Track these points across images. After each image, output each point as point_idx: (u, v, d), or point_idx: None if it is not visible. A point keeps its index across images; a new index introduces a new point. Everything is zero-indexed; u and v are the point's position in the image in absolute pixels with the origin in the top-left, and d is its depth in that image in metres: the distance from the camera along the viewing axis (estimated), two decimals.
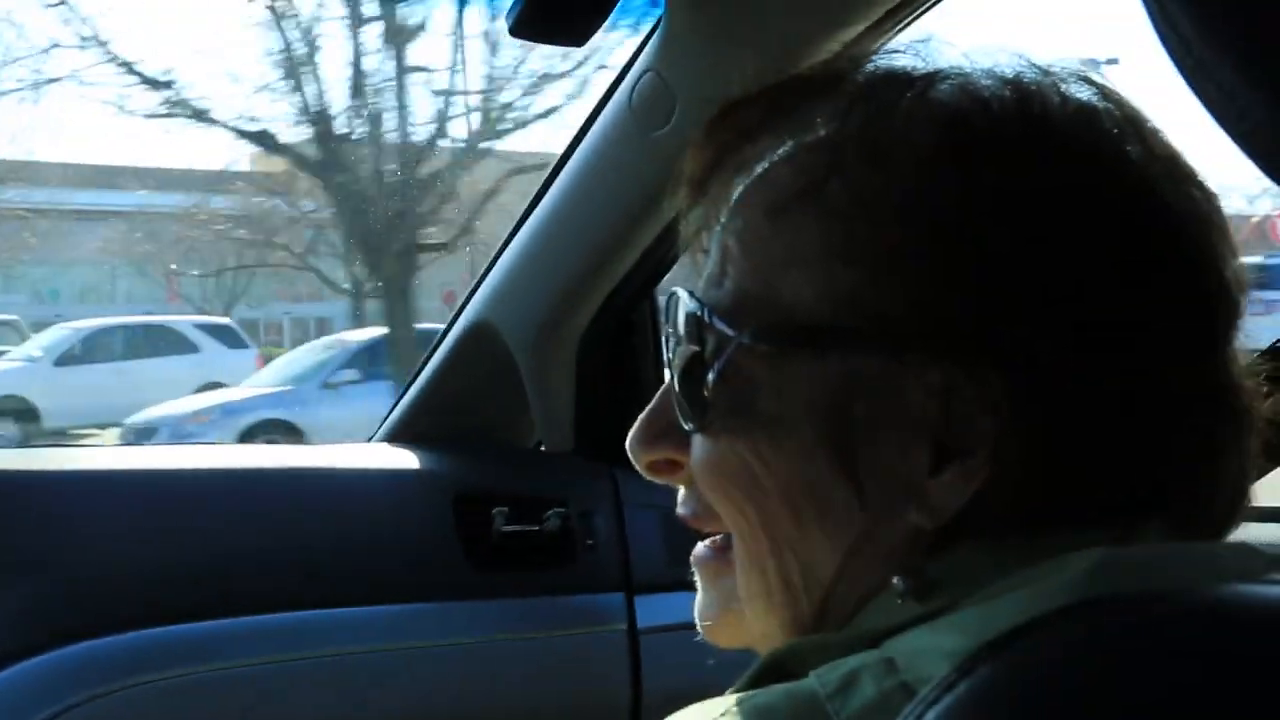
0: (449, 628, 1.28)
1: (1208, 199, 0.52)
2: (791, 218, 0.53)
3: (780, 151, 0.54)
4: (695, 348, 0.55)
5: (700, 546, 0.60)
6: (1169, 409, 0.50)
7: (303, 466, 1.37)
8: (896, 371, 0.50)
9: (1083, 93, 0.52)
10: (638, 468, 0.60)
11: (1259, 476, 0.53)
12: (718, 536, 0.59)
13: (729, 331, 0.54)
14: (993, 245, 0.49)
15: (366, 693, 1.23)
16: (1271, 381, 0.53)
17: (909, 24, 1.12)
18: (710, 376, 0.54)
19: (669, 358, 0.57)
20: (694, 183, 0.59)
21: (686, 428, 0.56)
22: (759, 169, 0.55)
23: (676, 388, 0.56)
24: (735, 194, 0.56)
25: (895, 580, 0.50)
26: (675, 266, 1.38)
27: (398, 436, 1.49)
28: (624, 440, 1.47)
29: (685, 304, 0.56)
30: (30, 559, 1.17)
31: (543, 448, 1.48)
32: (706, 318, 0.55)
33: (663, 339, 0.59)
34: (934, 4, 1.11)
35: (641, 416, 0.59)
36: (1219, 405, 0.51)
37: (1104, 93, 0.53)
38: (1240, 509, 0.53)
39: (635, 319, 1.43)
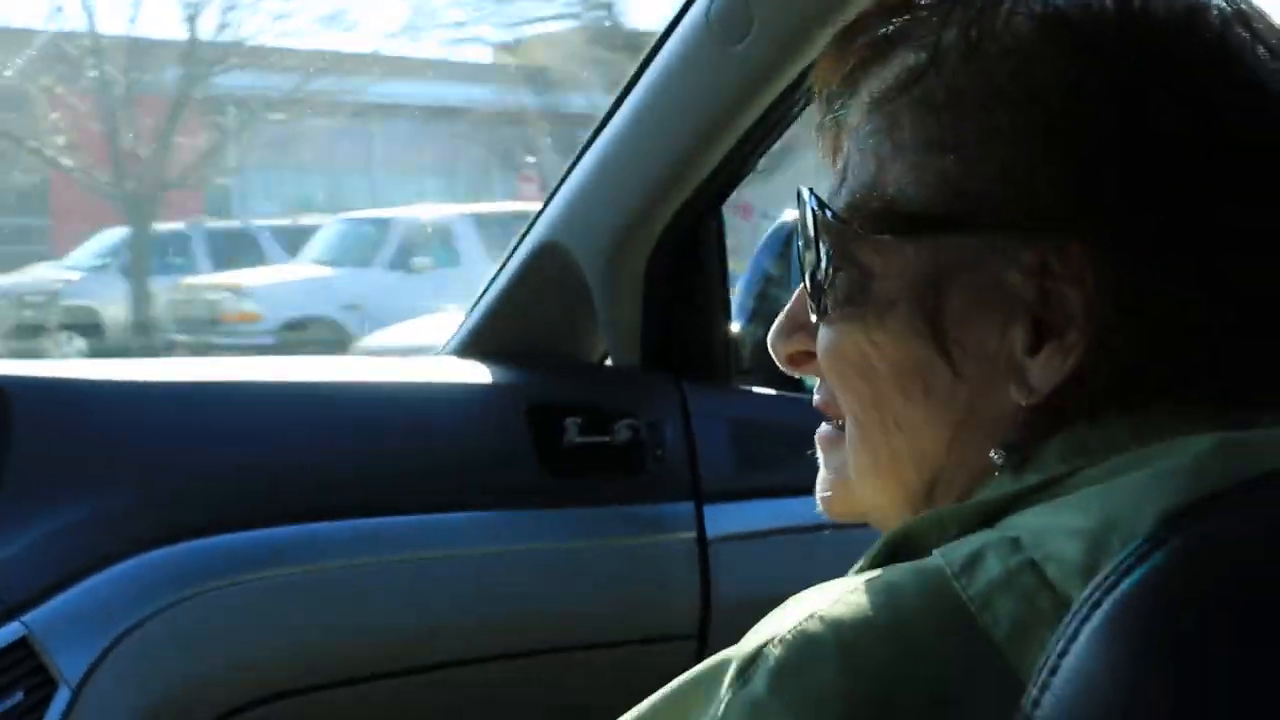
0: (522, 534, 1.29)
1: None
2: (890, 112, 0.55)
3: (894, 59, 0.56)
4: (819, 244, 0.58)
5: (823, 424, 0.63)
6: (1268, 292, 0.50)
7: (380, 379, 1.37)
8: (990, 252, 0.52)
9: None
10: (777, 362, 0.63)
11: None
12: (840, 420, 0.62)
13: (843, 224, 0.56)
14: (1095, 131, 0.50)
15: (444, 595, 1.26)
16: None
17: None
18: (826, 266, 0.57)
19: (800, 259, 0.61)
20: (823, 95, 0.61)
21: (813, 319, 0.59)
22: (870, 80, 0.57)
23: (807, 282, 0.59)
24: (853, 103, 0.58)
25: (993, 454, 0.52)
26: (747, 181, 1.38)
27: (467, 350, 1.49)
28: (691, 352, 1.45)
29: (809, 203, 0.59)
30: (130, 464, 1.18)
31: (609, 361, 1.48)
32: (825, 215, 0.57)
33: (794, 241, 0.62)
34: None
35: (781, 313, 0.63)
36: None
37: None
38: None
39: (702, 235, 1.42)
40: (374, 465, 1.27)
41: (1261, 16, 0.53)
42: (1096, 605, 0.39)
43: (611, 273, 1.41)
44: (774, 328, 0.63)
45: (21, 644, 1.05)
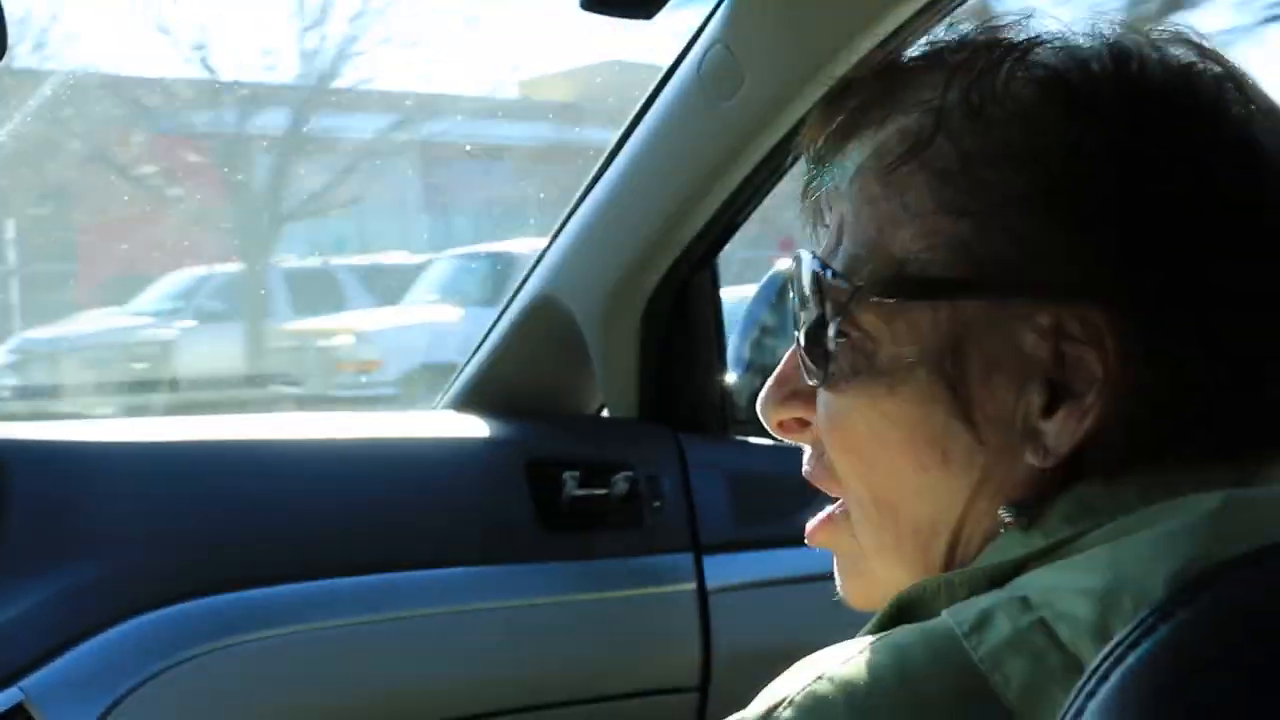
0: (522, 589, 1.29)
1: None
2: (901, 177, 0.54)
3: (890, 120, 0.56)
4: (817, 307, 0.57)
5: (811, 521, 0.62)
6: (1259, 348, 0.51)
7: (376, 435, 1.37)
8: (1007, 316, 0.52)
9: (1179, 52, 0.53)
10: (768, 427, 0.62)
11: None
12: (829, 506, 0.61)
13: (846, 287, 0.55)
14: (1094, 191, 0.51)
15: (443, 652, 1.25)
16: None
17: None
18: (831, 331, 0.56)
19: (794, 321, 0.60)
20: (813, 156, 0.60)
21: (811, 384, 0.58)
22: (866, 142, 0.57)
23: (804, 347, 0.58)
24: (851, 163, 0.57)
25: (1001, 511, 0.52)
26: (736, 235, 1.38)
27: (464, 403, 1.49)
28: (687, 404, 1.44)
29: (808, 264, 0.57)
30: (126, 528, 1.17)
31: (606, 413, 1.48)
32: (828, 276, 0.56)
33: (789, 303, 0.61)
34: None
35: (772, 377, 0.61)
36: None
37: (1202, 51, 0.54)
38: None
39: (697, 287, 1.42)
40: (372, 522, 1.27)
41: (1248, 77, 0.54)
42: (1104, 678, 0.39)
43: (607, 325, 1.41)
44: (764, 393, 0.62)
45: (19, 710, 1.05)
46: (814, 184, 0.60)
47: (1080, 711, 0.39)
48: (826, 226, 0.59)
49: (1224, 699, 0.37)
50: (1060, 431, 0.51)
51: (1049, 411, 0.51)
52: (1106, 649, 0.40)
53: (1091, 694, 0.39)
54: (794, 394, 0.60)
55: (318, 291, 8.59)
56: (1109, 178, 0.50)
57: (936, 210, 0.53)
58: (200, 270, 8.53)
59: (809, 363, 0.58)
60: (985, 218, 0.52)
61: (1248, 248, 0.51)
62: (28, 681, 1.06)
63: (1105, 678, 0.39)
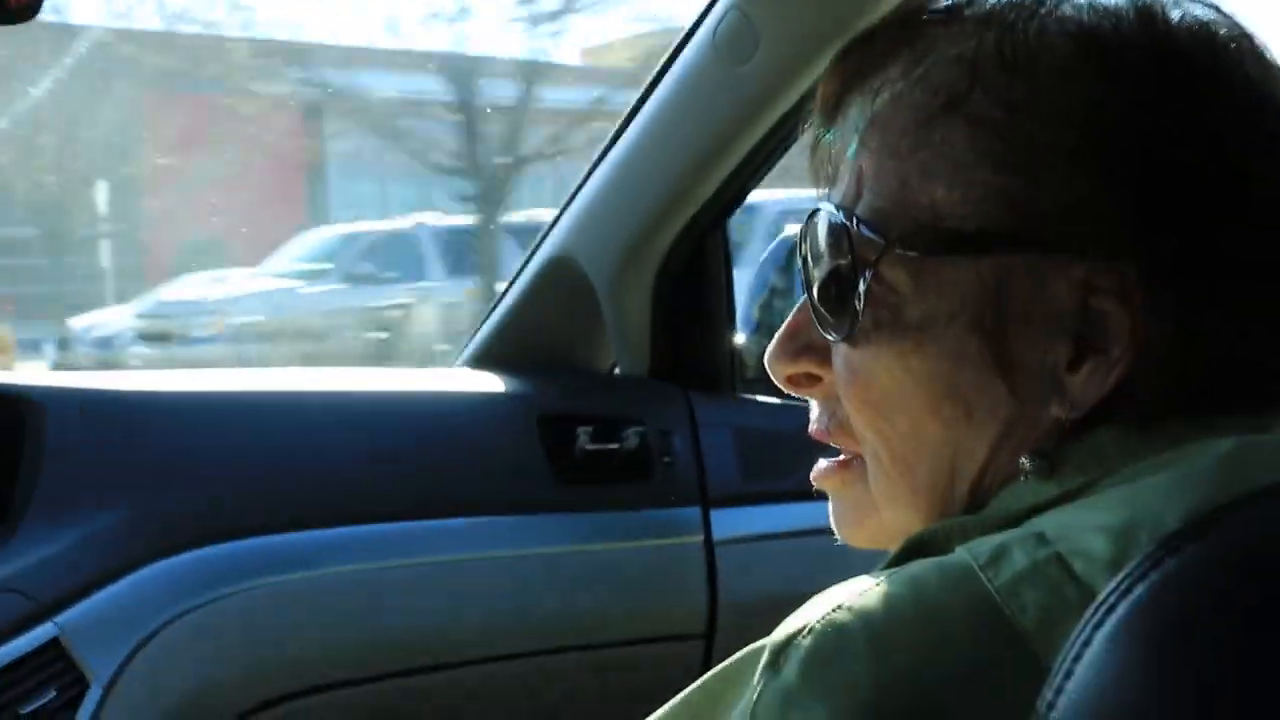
0: (536, 539, 1.30)
1: None
2: (938, 129, 0.52)
3: (915, 73, 0.54)
4: (839, 260, 0.55)
5: (822, 462, 0.61)
6: (1264, 314, 0.51)
7: (397, 389, 1.38)
8: (1044, 269, 0.51)
9: (1199, 9, 0.53)
10: (776, 380, 0.60)
11: None
12: (841, 455, 0.60)
13: (877, 239, 0.53)
14: (1133, 146, 0.50)
15: (459, 598, 1.25)
16: None
17: None
18: (861, 286, 0.54)
19: (805, 274, 0.58)
20: (827, 109, 0.58)
21: (831, 338, 0.56)
22: (890, 91, 0.55)
23: (818, 301, 0.56)
24: (868, 117, 0.55)
25: (1023, 460, 0.51)
26: (750, 196, 1.39)
27: (480, 361, 1.50)
28: (697, 363, 1.44)
29: (830, 217, 0.56)
30: (157, 472, 1.19)
31: (618, 371, 1.48)
32: (854, 228, 0.54)
33: (799, 257, 0.59)
34: None
35: (780, 331, 0.60)
36: None
37: (1219, 10, 0.53)
38: None
39: (708, 249, 1.43)
40: (392, 473, 1.28)
41: (1259, 37, 0.54)
42: (1112, 609, 0.39)
43: (621, 286, 1.42)
44: (773, 347, 0.60)
45: (54, 644, 1.06)
46: (826, 136, 0.59)
47: (1088, 642, 0.39)
48: (836, 179, 0.58)
49: (1221, 635, 0.37)
50: (1086, 384, 0.51)
51: (1075, 365, 0.51)
52: (1114, 581, 0.40)
53: (1099, 624, 0.39)
54: (807, 348, 0.58)
55: (471, 252, 7.94)
56: (1135, 138, 0.50)
57: (977, 162, 0.51)
58: (343, 229, 7.81)
59: (828, 317, 0.56)
60: (1028, 170, 0.51)
61: (1258, 217, 0.51)
62: (62, 617, 1.07)
63: (1112, 609, 0.39)
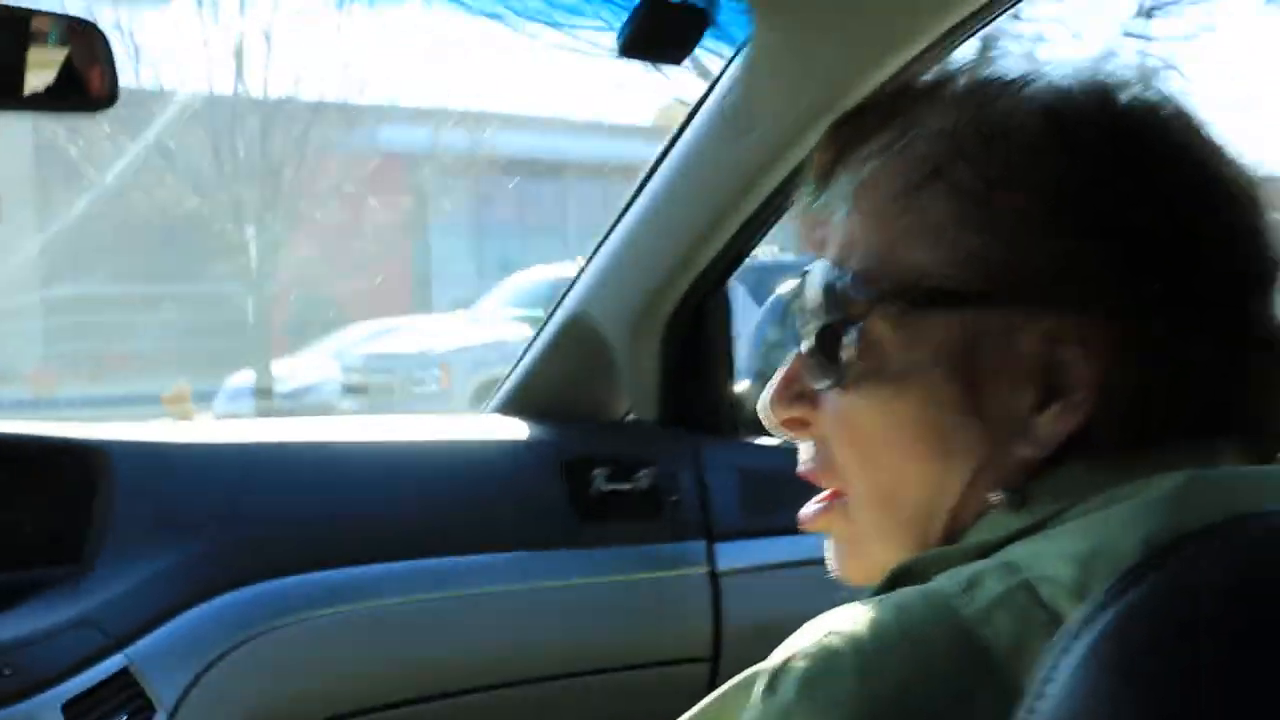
0: (557, 571, 1.31)
1: (1251, 180, 0.54)
2: (923, 196, 0.53)
3: (898, 145, 0.55)
4: (830, 315, 0.55)
5: (808, 506, 0.61)
6: (1231, 352, 0.52)
7: (435, 437, 1.39)
8: (1015, 323, 0.51)
9: (1145, 92, 0.54)
10: (770, 426, 0.60)
11: None
12: (824, 494, 0.60)
13: (865, 295, 0.54)
14: (1094, 213, 0.51)
15: (487, 627, 1.26)
16: None
17: (958, 46, 1.15)
18: (849, 338, 0.54)
19: (799, 328, 0.58)
20: (820, 176, 0.59)
21: (820, 387, 0.57)
22: (879, 160, 0.55)
23: (810, 352, 0.57)
24: (857, 183, 0.56)
25: (995, 495, 0.52)
26: (749, 259, 1.41)
27: (508, 408, 1.52)
28: (702, 410, 1.46)
29: (823, 275, 0.56)
30: (215, 516, 1.20)
31: (631, 418, 1.50)
32: (844, 285, 0.55)
33: (793, 313, 0.59)
34: (979, 30, 1.13)
35: (774, 381, 0.60)
36: (1270, 350, 0.53)
37: (1160, 91, 0.55)
38: None
39: (712, 306, 1.45)
40: (427, 513, 1.29)
41: (1195, 114, 0.55)
42: (1078, 637, 0.39)
43: (633, 341, 1.43)
44: (770, 395, 0.60)
45: (124, 673, 1.07)
46: (817, 202, 0.59)
47: (1058, 665, 0.39)
48: (825, 241, 0.58)
49: (1183, 659, 0.37)
50: (1052, 426, 0.51)
51: (1041, 407, 0.51)
52: (1082, 610, 0.39)
53: (1067, 649, 0.39)
54: (799, 395, 0.59)
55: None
56: (1095, 206, 0.51)
57: (959, 227, 0.52)
58: (548, 272, 6.83)
59: (817, 368, 0.56)
60: (1001, 234, 0.51)
61: (1207, 270, 0.52)
62: (131, 649, 1.09)
63: (1078, 637, 0.39)
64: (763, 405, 0.60)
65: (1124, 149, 0.52)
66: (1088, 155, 0.52)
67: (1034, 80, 0.54)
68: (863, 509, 0.57)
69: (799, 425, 0.59)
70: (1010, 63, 0.56)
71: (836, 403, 0.56)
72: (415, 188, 9.24)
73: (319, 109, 8.46)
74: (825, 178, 0.58)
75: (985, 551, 0.49)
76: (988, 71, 0.56)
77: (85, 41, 0.97)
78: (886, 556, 0.56)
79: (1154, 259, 0.51)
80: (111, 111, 0.99)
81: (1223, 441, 0.52)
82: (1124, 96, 0.54)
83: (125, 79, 1.01)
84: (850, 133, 0.58)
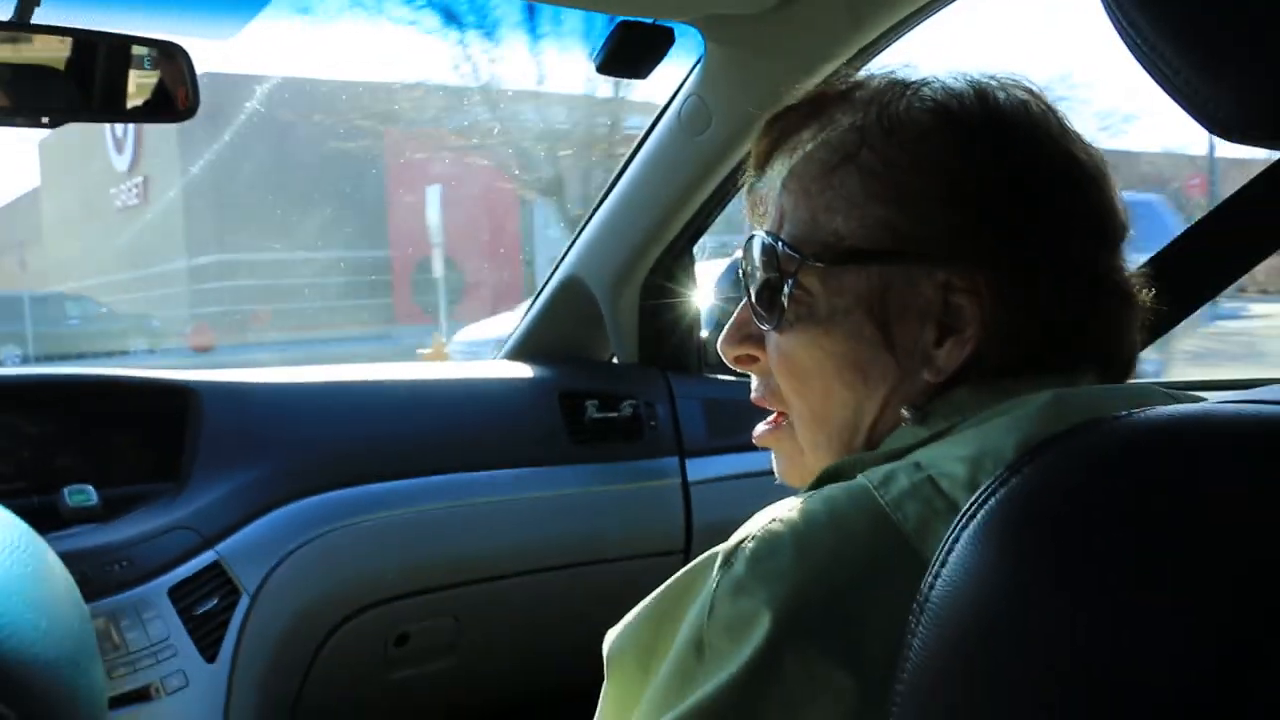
0: (556, 484, 1.35)
1: (1101, 160, 0.56)
2: (838, 176, 0.55)
3: (820, 138, 0.57)
4: (769, 272, 0.57)
5: (759, 426, 0.62)
6: (1090, 297, 0.54)
7: (455, 376, 1.41)
8: (916, 275, 0.53)
9: (1018, 92, 0.56)
10: (726, 361, 0.62)
11: (1143, 346, 0.58)
12: (772, 416, 0.62)
13: (796, 255, 0.56)
14: (974, 186, 0.53)
15: (501, 528, 1.31)
16: (1147, 280, 0.58)
17: (872, 59, 1.18)
18: (785, 289, 0.56)
19: (745, 283, 0.60)
20: (759, 163, 0.61)
21: (764, 329, 0.58)
22: (803, 151, 0.57)
23: (754, 302, 0.59)
24: (788, 168, 0.58)
25: (904, 411, 0.54)
26: (709, 232, 1.44)
27: (515, 354, 1.55)
28: (674, 353, 1.51)
29: (763, 240, 0.58)
30: (283, 441, 1.25)
31: (615, 360, 1.54)
32: (780, 248, 0.56)
33: (739, 270, 0.61)
34: (887, 47, 1.17)
35: (727, 325, 0.62)
36: (1120, 294, 0.55)
37: (1030, 92, 0.57)
38: (1133, 367, 0.57)
39: (680, 267, 1.49)
40: (452, 437, 1.32)
41: (1058, 109, 0.56)
42: (972, 517, 0.40)
43: (616, 297, 1.48)
44: (723, 337, 0.61)
45: (215, 565, 1.14)
46: (758, 183, 0.60)
47: (956, 540, 0.40)
48: (765, 214, 0.59)
49: (1051, 534, 0.38)
50: (948, 356, 0.53)
51: (939, 342, 0.53)
52: (973, 496, 0.41)
53: (961, 529, 0.40)
54: (747, 337, 0.60)
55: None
56: (977, 183, 0.52)
57: (867, 200, 0.54)
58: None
59: (762, 313, 0.58)
60: (904, 206, 0.53)
61: (1071, 234, 0.53)
62: (220, 546, 1.15)
63: (973, 517, 0.40)
64: (719, 345, 0.62)
65: (1000, 138, 0.53)
66: (970, 143, 0.53)
67: (927, 84, 0.56)
68: (801, 427, 0.58)
69: (749, 361, 0.61)
70: (908, 71, 0.58)
71: (777, 341, 0.58)
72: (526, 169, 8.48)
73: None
74: (763, 164, 0.60)
75: (896, 456, 0.50)
76: (890, 78, 0.57)
77: (173, 64, 0.99)
78: (818, 463, 0.58)
79: (1026, 224, 0.52)
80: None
81: (1083, 369, 0.54)
82: (1001, 95, 0.55)
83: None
84: (781, 128, 0.59)
